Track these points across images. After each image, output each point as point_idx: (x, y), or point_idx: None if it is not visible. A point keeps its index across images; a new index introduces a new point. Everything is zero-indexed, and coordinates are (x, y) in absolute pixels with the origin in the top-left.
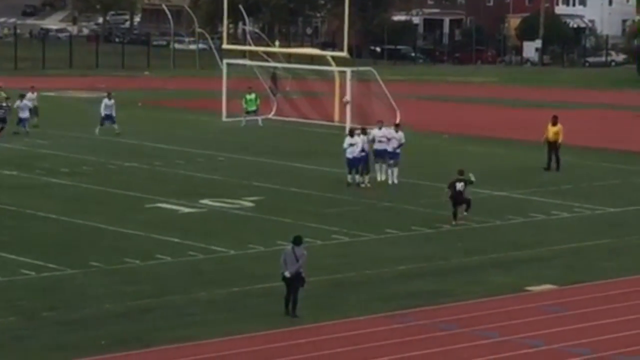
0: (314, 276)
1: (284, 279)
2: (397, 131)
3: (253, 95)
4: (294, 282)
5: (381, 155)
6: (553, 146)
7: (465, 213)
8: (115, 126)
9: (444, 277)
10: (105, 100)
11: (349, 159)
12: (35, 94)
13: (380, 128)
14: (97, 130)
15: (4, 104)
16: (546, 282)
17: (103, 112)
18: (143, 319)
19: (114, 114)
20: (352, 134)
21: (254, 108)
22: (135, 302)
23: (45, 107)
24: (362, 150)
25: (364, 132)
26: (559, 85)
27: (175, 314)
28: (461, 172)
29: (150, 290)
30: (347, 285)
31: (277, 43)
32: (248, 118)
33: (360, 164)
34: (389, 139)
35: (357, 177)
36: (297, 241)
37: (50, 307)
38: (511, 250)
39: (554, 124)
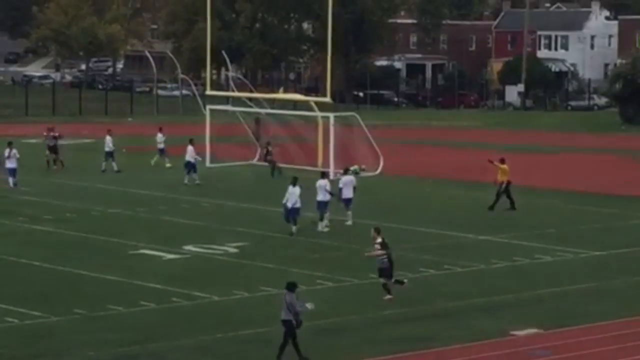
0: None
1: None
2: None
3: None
4: (286, 327)
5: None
6: (505, 186)
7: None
8: (114, 164)
9: (429, 321)
10: (108, 137)
11: (287, 208)
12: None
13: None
14: (108, 165)
15: None
16: (531, 326)
17: (106, 148)
18: None
19: (112, 151)
20: (294, 182)
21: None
22: (119, 349)
23: (28, 153)
24: (330, 193)
25: (324, 176)
26: (542, 129)
27: None
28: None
29: (134, 337)
30: (332, 330)
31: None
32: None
33: (297, 215)
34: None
35: (294, 228)
36: (290, 287)
37: (34, 354)
38: (495, 295)
39: (502, 162)
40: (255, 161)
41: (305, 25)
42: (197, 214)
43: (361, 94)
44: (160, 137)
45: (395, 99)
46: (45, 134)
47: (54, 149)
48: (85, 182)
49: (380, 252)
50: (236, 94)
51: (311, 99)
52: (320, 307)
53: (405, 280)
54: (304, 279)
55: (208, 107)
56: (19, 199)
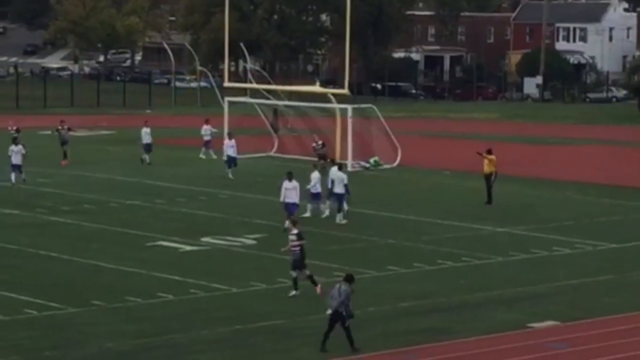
0: (317, 314)
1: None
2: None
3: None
4: (334, 319)
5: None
6: (488, 179)
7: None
8: (147, 156)
9: (446, 314)
10: (144, 129)
11: (285, 204)
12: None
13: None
14: (147, 158)
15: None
16: (549, 318)
17: (144, 141)
18: (145, 358)
19: (150, 143)
20: (290, 177)
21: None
22: (137, 340)
23: (46, 145)
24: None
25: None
26: (560, 121)
27: (177, 353)
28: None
29: (152, 329)
30: (350, 322)
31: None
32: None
33: (295, 210)
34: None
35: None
36: (349, 278)
37: (52, 346)
38: (513, 287)
39: (490, 153)
40: (272, 153)
41: (323, 17)
42: (215, 206)
43: (379, 86)
44: (205, 129)
45: (413, 91)
46: (59, 127)
47: (65, 142)
48: (103, 173)
49: (296, 243)
50: (254, 85)
51: (329, 90)
52: None
53: (319, 284)
54: (322, 271)
55: (226, 99)
56: (37, 190)
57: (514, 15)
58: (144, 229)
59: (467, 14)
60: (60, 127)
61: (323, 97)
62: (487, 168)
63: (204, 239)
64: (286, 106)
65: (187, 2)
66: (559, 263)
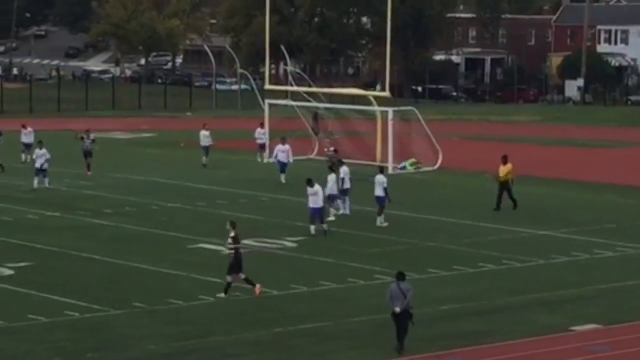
0: (358, 316)
1: (394, 315)
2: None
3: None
4: (403, 318)
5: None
6: (505, 186)
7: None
8: (205, 158)
9: (488, 317)
10: (203, 132)
11: (311, 209)
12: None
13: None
14: (204, 160)
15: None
16: (591, 321)
17: (202, 144)
18: None
19: (209, 146)
20: (311, 183)
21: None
22: (179, 343)
23: None
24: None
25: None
26: (602, 124)
27: (219, 356)
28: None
29: (193, 331)
30: (391, 326)
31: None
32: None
33: (322, 214)
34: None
35: (312, 228)
36: (401, 277)
37: (94, 348)
38: (555, 290)
39: (505, 163)
40: (313, 156)
41: (364, 19)
42: (256, 209)
43: (420, 89)
44: (259, 132)
45: (454, 94)
46: (83, 136)
47: (89, 153)
48: (144, 176)
49: (231, 246)
50: (295, 88)
51: (370, 93)
52: (379, 302)
53: (258, 285)
54: (363, 274)
55: (267, 101)
56: (79, 193)
57: (555, 17)
58: (185, 231)
59: (508, 16)
60: (84, 137)
61: (364, 100)
62: (505, 177)
63: (245, 242)
64: (326, 109)
65: (229, 5)
66: (601, 266)
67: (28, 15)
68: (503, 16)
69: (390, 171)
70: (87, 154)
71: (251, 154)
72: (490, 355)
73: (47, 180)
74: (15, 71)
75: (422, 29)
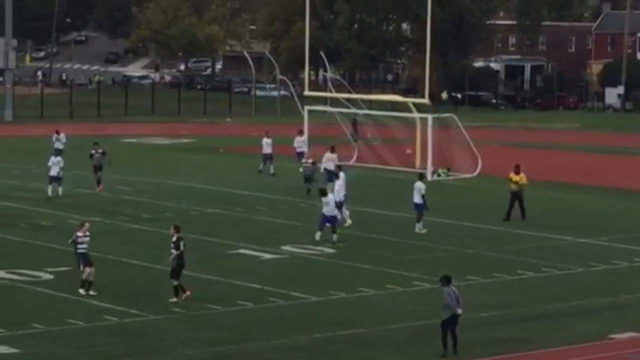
0: (396, 323)
1: (451, 318)
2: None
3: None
4: (454, 322)
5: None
6: (515, 196)
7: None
8: (272, 167)
9: (526, 324)
10: (265, 139)
11: (323, 214)
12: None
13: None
14: (270, 168)
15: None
16: (629, 329)
17: (264, 151)
18: None
19: (271, 153)
20: (324, 193)
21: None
22: (216, 348)
23: (126, 153)
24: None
25: (422, 178)
26: None
27: None
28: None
29: (231, 336)
30: (429, 332)
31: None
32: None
33: (334, 223)
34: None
35: (334, 237)
36: (449, 281)
37: (132, 353)
38: (594, 298)
39: (517, 173)
40: (352, 162)
41: (403, 26)
42: (295, 215)
43: (459, 96)
44: (298, 140)
45: (494, 101)
46: (92, 151)
47: (99, 168)
48: (183, 181)
49: (172, 250)
50: (334, 94)
51: (409, 100)
52: (417, 308)
53: (185, 294)
54: (401, 280)
55: (306, 107)
56: (118, 198)
57: (595, 24)
58: (224, 237)
59: (548, 23)
60: (93, 151)
61: (403, 106)
62: (514, 186)
63: (284, 248)
64: (365, 115)
65: (268, 11)
66: None
67: (68, 20)
68: (543, 23)
69: (429, 177)
70: (97, 169)
71: (290, 160)
72: None
73: (60, 189)
74: (63, 76)
75: (462, 35)
